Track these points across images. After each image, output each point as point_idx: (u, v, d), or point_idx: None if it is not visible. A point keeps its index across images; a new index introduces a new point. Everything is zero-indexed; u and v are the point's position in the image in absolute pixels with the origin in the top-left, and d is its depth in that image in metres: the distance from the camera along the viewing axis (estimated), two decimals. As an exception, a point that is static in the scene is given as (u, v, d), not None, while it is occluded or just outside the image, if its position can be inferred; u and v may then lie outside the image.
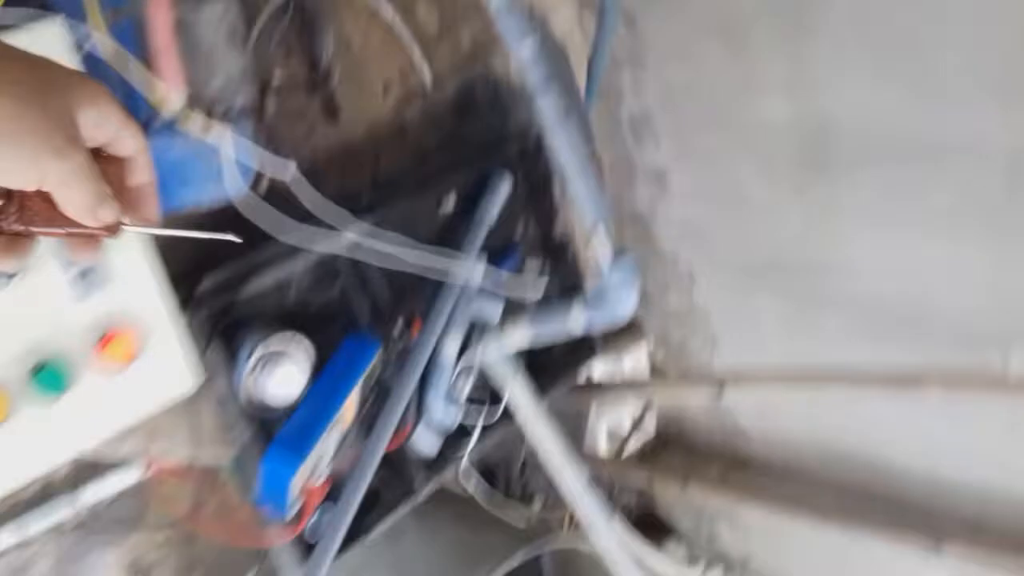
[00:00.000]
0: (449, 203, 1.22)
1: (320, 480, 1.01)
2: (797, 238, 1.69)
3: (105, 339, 0.79)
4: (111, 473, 1.36)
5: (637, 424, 1.97)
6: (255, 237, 1.03)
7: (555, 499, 1.97)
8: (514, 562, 1.24)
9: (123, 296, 0.80)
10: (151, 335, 0.82)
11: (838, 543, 1.77)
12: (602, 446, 2.00)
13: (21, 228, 0.45)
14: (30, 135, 0.42)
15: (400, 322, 1.17)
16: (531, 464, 1.89)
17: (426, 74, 1.22)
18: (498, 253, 1.25)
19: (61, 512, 1.33)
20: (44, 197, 0.44)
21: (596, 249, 0.97)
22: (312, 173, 1.01)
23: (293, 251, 1.03)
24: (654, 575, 1.73)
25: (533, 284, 1.10)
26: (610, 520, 1.25)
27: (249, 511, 1.01)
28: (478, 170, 1.22)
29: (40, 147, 0.42)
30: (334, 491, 1.05)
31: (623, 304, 0.95)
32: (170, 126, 0.85)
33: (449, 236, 1.19)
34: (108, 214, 0.46)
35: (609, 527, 1.25)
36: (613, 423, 2.05)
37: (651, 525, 2.13)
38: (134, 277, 0.81)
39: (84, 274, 0.78)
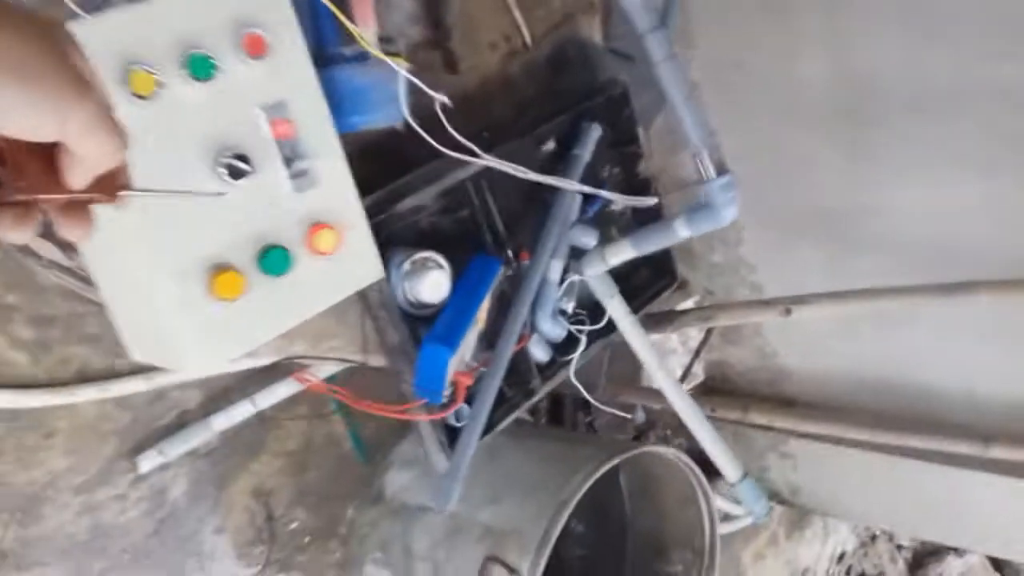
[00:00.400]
0: (549, 146, 1.39)
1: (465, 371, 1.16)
2: (838, 187, 1.86)
3: (314, 229, 0.95)
4: (241, 401, 1.52)
5: (688, 369, 2.13)
6: (406, 163, 1.21)
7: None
8: (613, 462, 1.39)
9: (327, 195, 0.96)
10: (348, 229, 0.98)
11: (885, 466, 1.93)
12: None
13: (23, 197, 0.43)
14: (51, 75, 0.39)
15: (510, 251, 1.33)
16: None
17: (525, 35, 1.38)
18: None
19: (196, 438, 1.48)
20: (39, 160, 0.43)
21: (701, 168, 1.13)
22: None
23: (430, 179, 1.19)
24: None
25: (640, 200, 1.26)
26: (703, 416, 1.41)
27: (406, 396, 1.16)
28: (572, 118, 1.39)
29: (62, 88, 0.40)
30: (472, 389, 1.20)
31: (726, 211, 1.12)
32: (355, 58, 1.01)
33: (550, 174, 1.36)
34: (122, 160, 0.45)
35: (703, 422, 1.41)
36: (666, 371, 2.21)
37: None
38: (335, 180, 0.97)
39: (297, 174, 0.94)
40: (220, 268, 0.88)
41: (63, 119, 0.40)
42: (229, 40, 0.88)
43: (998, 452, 1.52)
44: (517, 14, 1.37)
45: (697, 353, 2.22)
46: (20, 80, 0.38)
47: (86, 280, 1.25)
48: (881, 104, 1.67)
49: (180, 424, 1.48)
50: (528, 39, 1.39)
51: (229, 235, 0.89)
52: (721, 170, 1.13)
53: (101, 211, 0.85)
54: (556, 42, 1.43)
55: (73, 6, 0.91)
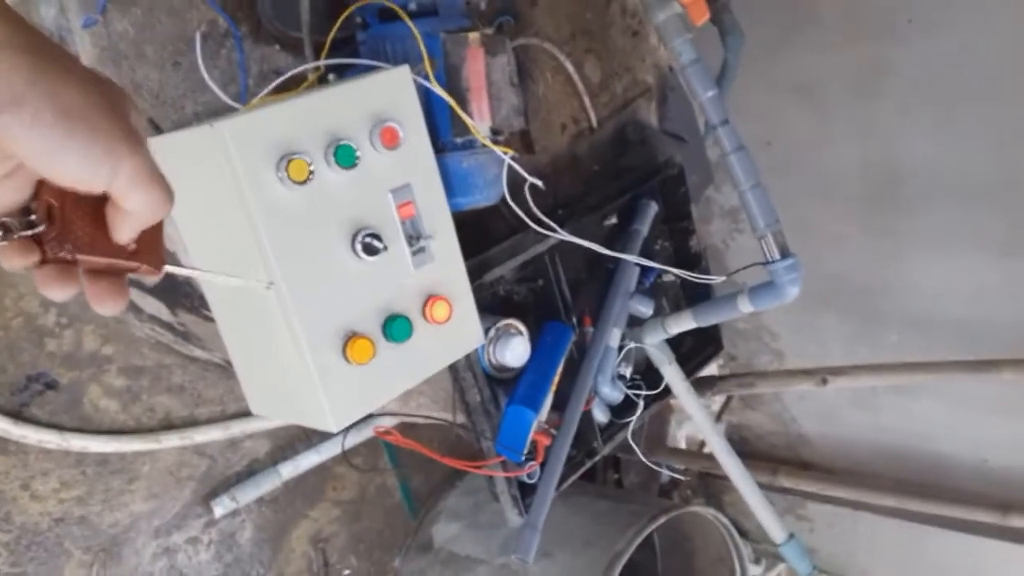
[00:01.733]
0: (611, 221, 1.50)
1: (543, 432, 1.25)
2: (861, 264, 1.98)
3: (430, 301, 1.04)
4: (306, 451, 1.60)
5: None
6: (485, 238, 1.31)
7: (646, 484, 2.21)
8: (660, 520, 1.47)
9: (441, 269, 1.06)
10: (457, 300, 1.07)
11: (902, 531, 2.02)
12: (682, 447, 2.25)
13: (67, 256, 0.44)
14: (104, 123, 0.40)
15: (575, 317, 1.43)
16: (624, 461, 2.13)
17: (592, 117, 1.50)
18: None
19: (266, 485, 1.55)
20: (86, 218, 0.44)
21: (766, 249, 1.24)
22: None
23: (513, 252, 1.30)
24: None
25: (709, 278, 1.36)
26: (751, 477, 1.50)
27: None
28: (632, 196, 1.50)
29: (114, 136, 0.41)
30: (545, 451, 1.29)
31: (790, 290, 1.22)
32: (464, 146, 1.12)
33: (612, 247, 1.46)
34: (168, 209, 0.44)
35: (751, 483, 1.50)
36: (690, 432, 2.31)
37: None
38: (448, 256, 1.07)
39: (417, 251, 1.03)
40: (354, 336, 0.97)
41: (114, 170, 0.41)
42: (367, 133, 0.98)
43: (1017, 521, 1.62)
44: (586, 99, 1.48)
45: (719, 416, 2.31)
46: (78, 128, 0.39)
47: (183, 335, 1.34)
48: (906, 188, 1.80)
49: (250, 472, 1.56)
50: (594, 121, 1.51)
51: (361, 306, 0.98)
52: (784, 252, 1.24)
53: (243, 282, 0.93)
54: (618, 124, 1.55)
55: (229, 100, 1.02)
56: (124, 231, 0.44)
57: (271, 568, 1.59)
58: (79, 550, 1.38)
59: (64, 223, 0.43)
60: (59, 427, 1.35)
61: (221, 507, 1.49)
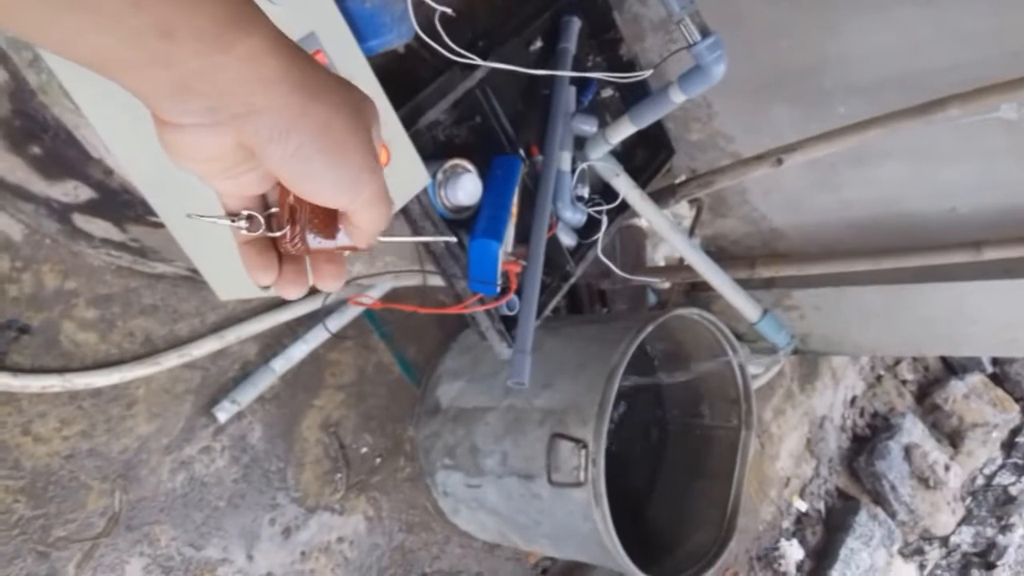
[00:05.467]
0: (537, 45, 1.47)
1: (512, 262, 1.27)
2: (798, 45, 1.95)
3: (364, 148, 1.03)
4: (294, 343, 1.61)
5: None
6: (410, 85, 1.29)
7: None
8: (650, 327, 1.50)
9: (369, 115, 1.05)
10: (393, 144, 1.06)
11: (885, 296, 2.07)
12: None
13: (303, 248, 0.48)
14: (356, 152, 0.43)
15: (522, 148, 1.42)
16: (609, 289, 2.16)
17: (495, -58, 1.46)
18: (581, 82, 1.51)
19: (263, 382, 1.57)
20: (320, 214, 0.47)
21: (686, 33, 1.23)
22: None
23: (442, 93, 1.28)
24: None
25: (633, 75, 1.35)
26: (717, 266, 1.53)
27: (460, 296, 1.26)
28: (552, 14, 1.47)
29: (362, 164, 0.43)
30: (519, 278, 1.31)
31: (716, 69, 1.21)
32: (363, -16, 1.09)
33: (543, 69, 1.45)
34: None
35: (718, 271, 1.52)
36: (667, 252, 2.34)
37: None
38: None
39: (340, 101, 1.02)
40: (294, 193, 0.96)
41: (357, 194, 0.44)
42: (257, -16, 0.95)
43: (991, 254, 1.66)
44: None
45: (692, 230, 2.34)
46: (334, 155, 0.42)
47: (140, 252, 1.33)
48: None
49: (245, 374, 1.57)
50: (498, -52, 1.47)
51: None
52: (704, 32, 1.22)
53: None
54: (524, -54, 1.50)
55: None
56: (366, 233, 0.48)
57: (289, 461, 1.63)
58: (96, 480, 1.41)
59: (304, 222, 0.47)
60: (45, 369, 1.35)
61: (224, 412, 1.52)
